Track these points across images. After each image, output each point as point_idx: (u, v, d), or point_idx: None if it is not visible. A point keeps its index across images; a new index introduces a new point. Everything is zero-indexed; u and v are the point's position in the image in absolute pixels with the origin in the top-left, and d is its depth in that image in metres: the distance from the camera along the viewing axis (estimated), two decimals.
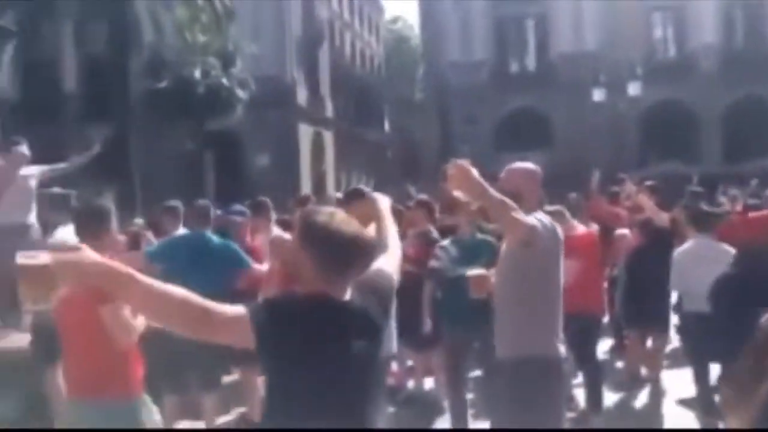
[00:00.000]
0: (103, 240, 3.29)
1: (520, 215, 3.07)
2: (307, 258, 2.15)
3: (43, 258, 2.42)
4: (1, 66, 9.19)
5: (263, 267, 5.56)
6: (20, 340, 5.93)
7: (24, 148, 6.48)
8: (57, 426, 4.59)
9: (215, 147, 25.28)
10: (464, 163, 2.98)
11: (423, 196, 7.27)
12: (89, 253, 1.99)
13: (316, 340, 2.08)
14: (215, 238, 5.67)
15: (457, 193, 3.10)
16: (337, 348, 2.10)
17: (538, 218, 3.28)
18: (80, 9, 18.76)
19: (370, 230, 2.45)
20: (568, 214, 5.78)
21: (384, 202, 2.67)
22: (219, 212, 6.91)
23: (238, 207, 7.19)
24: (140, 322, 3.21)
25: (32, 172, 6.58)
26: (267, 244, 5.80)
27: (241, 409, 5.98)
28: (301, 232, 2.21)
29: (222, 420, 5.81)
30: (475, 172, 2.95)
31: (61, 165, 7.04)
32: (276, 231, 5.93)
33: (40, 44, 22.77)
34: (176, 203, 6.22)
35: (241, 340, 2.07)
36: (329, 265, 2.14)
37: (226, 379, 6.04)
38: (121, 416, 3.26)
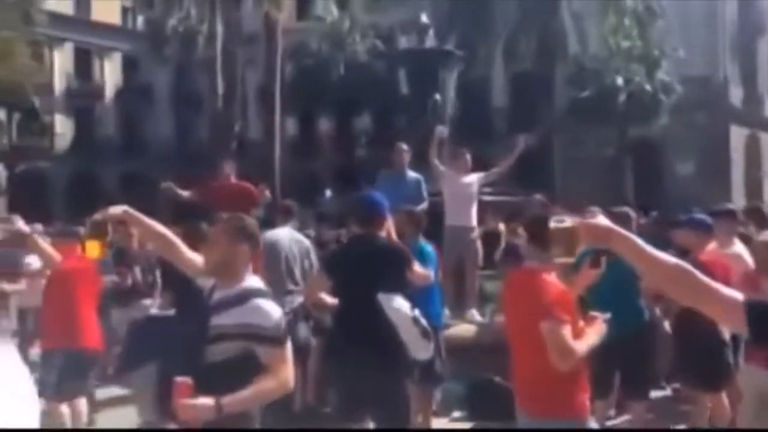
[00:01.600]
0: None
1: None
2: None
3: (568, 222, 2.77)
4: (448, 89, 10.31)
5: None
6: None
7: (467, 157, 7.27)
8: None
9: (636, 153, 24.66)
10: None
11: None
12: (603, 219, 2.22)
13: None
14: None
15: None
16: None
17: None
18: (512, 28, 20.11)
19: None
20: None
21: None
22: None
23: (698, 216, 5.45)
24: (585, 344, 3.12)
25: (472, 179, 7.29)
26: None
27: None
28: None
29: None
30: None
31: (495, 170, 7.55)
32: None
33: (474, 64, 25.15)
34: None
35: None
36: None
37: None
38: None
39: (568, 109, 22.88)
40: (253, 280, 2.74)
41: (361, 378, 3.82)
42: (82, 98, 35.06)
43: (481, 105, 27.85)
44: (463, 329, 6.69)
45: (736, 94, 28.95)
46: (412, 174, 7.43)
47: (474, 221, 7.12)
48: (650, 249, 2.09)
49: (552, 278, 3.17)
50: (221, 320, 2.60)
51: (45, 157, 32.62)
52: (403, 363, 3.95)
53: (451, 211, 7.01)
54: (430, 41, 10.81)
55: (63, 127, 34.24)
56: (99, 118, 35.98)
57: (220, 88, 26.66)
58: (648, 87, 22.96)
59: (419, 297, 4.67)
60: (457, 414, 6.09)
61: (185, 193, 7.35)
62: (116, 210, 2.99)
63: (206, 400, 2.44)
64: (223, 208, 7.30)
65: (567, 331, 3.04)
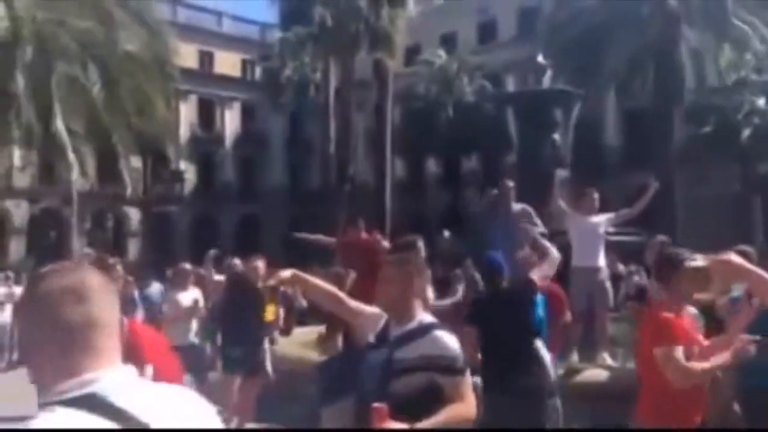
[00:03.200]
0: None
1: None
2: None
3: (700, 261, 2.95)
4: (565, 129, 10.25)
5: None
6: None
7: (594, 197, 7.21)
8: None
9: (763, 190, 23.35)
10: None
11: None
12: (734, 256, 2.23)
13: None
14: None
15: None
16: None
17: None
18: (626, 67, 19.73)
19: None
20: None
21: None
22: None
23: None
24: (704, 366, 3.22)
25: (600, 219, 7.19)
26: None
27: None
28: None
29: None
30: None
31: (624, 211, 7.43)
32: None
33: (586, 103, 24.74)
34: (747, 247, 5.98)
35: None
36: None
37: None
38: None
39: (688, 146, 22.06)
40: (427, 315, 2.84)
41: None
42: (205, 145, 37.14)
43: (594, 144, 27.31)
44: (594, 374, 6.52)
45: None
46: (516, 208, 7.68)
47: (602, 262, 7.01)
48: None
49: (675, 316, 3.28)
50: (404, 354, 2.68)
51: (173, 201, 34.69)
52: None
53: (579, 251, 6.93)
54: (547, 81, 10.79)
55: (188, 173, 36.38)
56: (220, 164, 37.95)
57: (333, 132, 27.61)
58: None
59: None
60: None
61: (322, 239, 7.82)
62: (286, 274, 3.19)
63: (401, 425, 2.49)
64: (353, 260, 7.78)
65: (679, 353, 3.15)
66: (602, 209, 7.36)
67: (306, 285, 3.28)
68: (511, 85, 30.87)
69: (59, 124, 14.94)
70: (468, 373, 2.75)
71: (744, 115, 22.07)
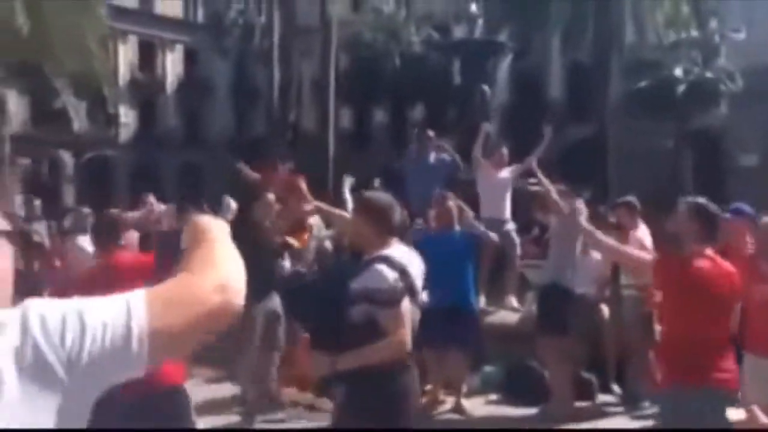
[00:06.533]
0: None
1: None
2: None
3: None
4: (496, 80, 10.40)
5: None
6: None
7: (504, 152, 7.51)
8: None
9: (695, 145, 24.08)
10: None
11: None
12: None
13: None
14: None
15: None
16: None
17: None
18: (569, 18, 19.91)
19: None
20: None
21: None
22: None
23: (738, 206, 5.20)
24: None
25: (506, 173, 7.44)
26: None
27: None
28: None
29: None
30: None
31: (528, 158, 7.57)
32: None
33: (529, 55, 24.94)
34: (632, 199, 6.30)
35: None
36: None
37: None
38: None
39: (625, 100, 22.54)
40: (390, 250, 2.95)
41: None
42: (146, 89, 36.19)
43: (536, 95, 27.64)
44: (502, 315, 6.85)
45: None
46: (434, 158, 8.00)
47: (507, 214, 7.29)
48: None
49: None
50: (354, 285, 2.86)
51: (110, 146, 33.86)
52: None
53: (486, 203, 7.22)
54: (480, 31, 10.88)
55: (127, 117, 35.45)
56: (161, 109, 37.09)
57: (276, 80, 27.21)
58: (709, 75, 22.41)
59: (454, 281, 5.03)
60: (493, 397, 6.25)
61: (254, 176, 7.99)
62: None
63: (323, 357, 2.80)
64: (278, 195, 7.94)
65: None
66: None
67: (326, 212, 4.01)
68: (460, 35, 30.76)
69: None
70: (401, 304, 2.82)
71: (682, 71, 22.57)
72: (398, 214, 3.03)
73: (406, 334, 2.82)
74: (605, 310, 6.38)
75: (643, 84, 22.16)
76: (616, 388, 6.23)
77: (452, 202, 5.97)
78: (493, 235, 6.37)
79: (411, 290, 2.87)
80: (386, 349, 2.78)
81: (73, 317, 0.96)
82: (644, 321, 5.69)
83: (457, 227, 5.89)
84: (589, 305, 6.32)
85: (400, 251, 2.95)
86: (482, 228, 6.32)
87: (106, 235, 3.87)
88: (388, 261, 2.83)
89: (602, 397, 6.15)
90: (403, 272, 2.84)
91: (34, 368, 0.92)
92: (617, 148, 21.34)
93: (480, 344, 5.80)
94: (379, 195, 3.22)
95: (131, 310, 0.99)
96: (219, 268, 1.10)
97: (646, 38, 21.57)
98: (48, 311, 0.96)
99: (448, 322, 5.27)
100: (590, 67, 21.90)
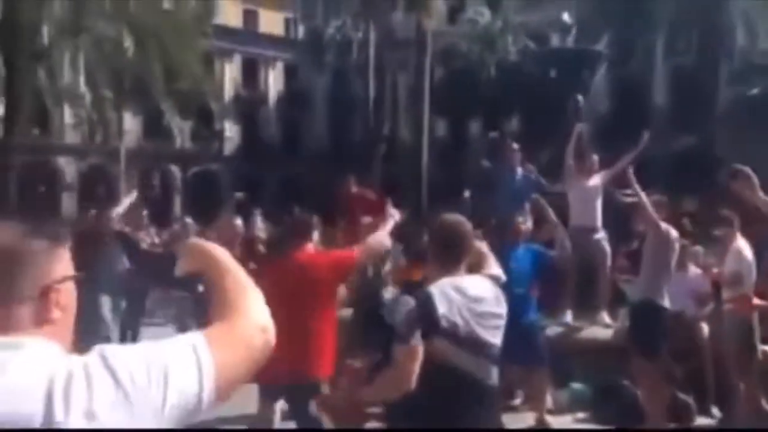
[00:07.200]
0: None
1: None
2: None
3: None
4: (590, 89, 10.17)
5: None
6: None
7: (594, 159, 7.27)
8: None
9: None
10: None
11: None
12: None
13: None
14: None
15: None
16: None
17: None
18: (672, 21, 19.18)
19: None
20: None
21: None
22: None
23: None
24: None
25: (597, 180, 7.17)
26: None
27: None
28: None
29: None
30: None
31: (618, 164, 7.17)
32: None
33: (632, 62, 24.13)
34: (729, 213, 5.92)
35: None
36: None
37: None
38: None
39: (734, 107, 21.39)
40: (446, 279, 2.85)
41: None
42: (249, 105, 37.51)
43: (640, 100, 26.60)
44: (593, 331, 6.62)
45: None
46: (521, 172, 7.88)
47: (598, 222, 7.04)
48: None
49: None
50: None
51: (215, 160, 35.29)
52: None
53: (575, 211, 7.02)
54: (575, 40, 10.65)
55: (231, 132, 36.83)
56: (263, 123, 38.32)
57: (372, 92, 27.61)
58: None
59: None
60: (581, 415, 6.05)
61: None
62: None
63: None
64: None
65: None
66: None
67: None
68: (557, 44, 30.13)
69: (81, 83, 15.49)
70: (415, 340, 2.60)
71: None
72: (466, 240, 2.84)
73: (412, 372, 2.57)
74: (705, 328, 6.08)
75: (754, 91, 21.00)
76: (715, 411, 5.90)
77: (521, 219, 6.02)
78: (567, 245, 6.11)
79: (433, 325, 2.61)
80: (381, 382, 2.70)
81: (156, 372, 1.06)
82: (746, 340, 5.37)
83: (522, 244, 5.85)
84: (687, 323, 6.03)
85: (456, 282, 2.74)
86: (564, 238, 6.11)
87: (300, 234, 4.29)
88: (420, 293, 2.67)
89: (701, 420, 5.83)
90: (427, 306, 2.61)
91: (127, 418, 1.02)
92: (725, 158, 20.27)
93: (542, 360, 5.72)
94: (451, 220, 2.95)
95: (199, 356, 1.11)
96: (258, 308, 1.24)
97: (757, 42, 20.43)
98: (133, 364, 1.06)
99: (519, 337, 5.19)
100: (697, 73, 20.97)
